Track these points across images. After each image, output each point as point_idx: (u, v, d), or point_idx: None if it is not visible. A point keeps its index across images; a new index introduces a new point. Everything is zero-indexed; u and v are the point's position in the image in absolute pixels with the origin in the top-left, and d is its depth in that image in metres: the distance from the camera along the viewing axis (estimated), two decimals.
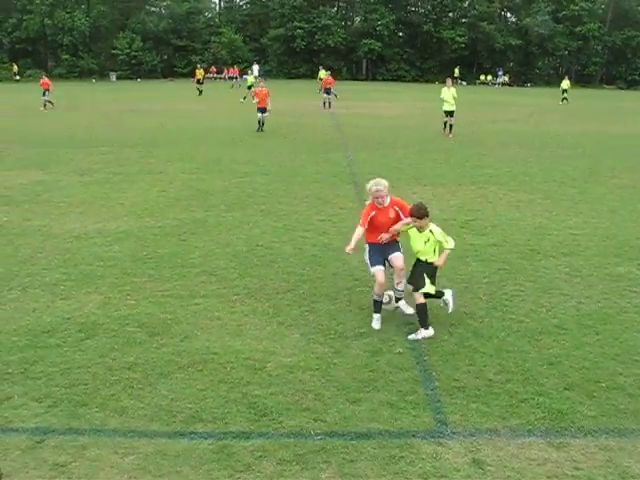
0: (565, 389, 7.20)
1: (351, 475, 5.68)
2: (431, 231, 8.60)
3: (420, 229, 8.59)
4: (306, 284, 10.16)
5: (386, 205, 8.74)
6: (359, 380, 7.26)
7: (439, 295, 8.83)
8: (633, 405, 6.92)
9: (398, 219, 8.76)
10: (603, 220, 14.58)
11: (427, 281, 8.59)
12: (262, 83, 29.21)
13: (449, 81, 29.31)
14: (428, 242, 8.59)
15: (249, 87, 45.64)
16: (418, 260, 8.74)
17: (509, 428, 6.45)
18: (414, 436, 6.27)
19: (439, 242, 8.61)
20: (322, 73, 57.91)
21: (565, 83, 52.90)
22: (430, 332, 8.43)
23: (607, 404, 6.92)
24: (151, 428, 6.30)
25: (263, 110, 28.05)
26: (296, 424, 6.42)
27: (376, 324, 8.69)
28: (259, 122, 28.21)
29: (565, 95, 51.41)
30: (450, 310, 8.79)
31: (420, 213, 8.49)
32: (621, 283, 10.60)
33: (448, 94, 28.42)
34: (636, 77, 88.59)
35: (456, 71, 79.59)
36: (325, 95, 41.51)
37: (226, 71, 65.32)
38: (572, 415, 6.69)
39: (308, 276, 10.49)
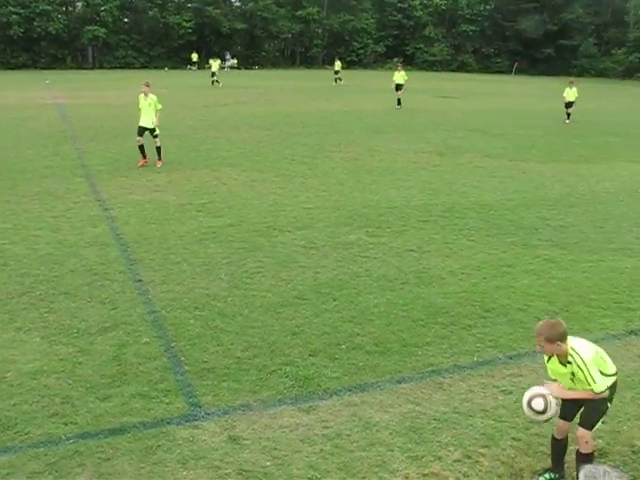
0: (310, 355, 7.60)
1: (108, 474, 5.57)
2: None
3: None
4: (43, 284, 9.67)
5: None
6: (108, 376, 7.10)
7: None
8: (371, 361, 7.50)
9: None
10: (332, 193, 15.44)
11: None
12: None
13: (146, 87, 18.44)
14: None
15: None
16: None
17: (260, 400, 6.68)
18: (169, 423, 6.29)
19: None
20: None
21: (337, 64, 56.30)
22: None
23: (348, 364, 7.42)
24: None
25: None
26: (45, 432, 6.14)
27: None
28: None
29: (339, 75, 54.63)
30: None
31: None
32: (352, 250, 11.34)
33: (144, 104, 18.45)
34: (354, 58, 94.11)
35: (194, 56, 79.17)
36: None
37: None
38: (318, 379, 7.09)
39: (44, 276, 9.99)
